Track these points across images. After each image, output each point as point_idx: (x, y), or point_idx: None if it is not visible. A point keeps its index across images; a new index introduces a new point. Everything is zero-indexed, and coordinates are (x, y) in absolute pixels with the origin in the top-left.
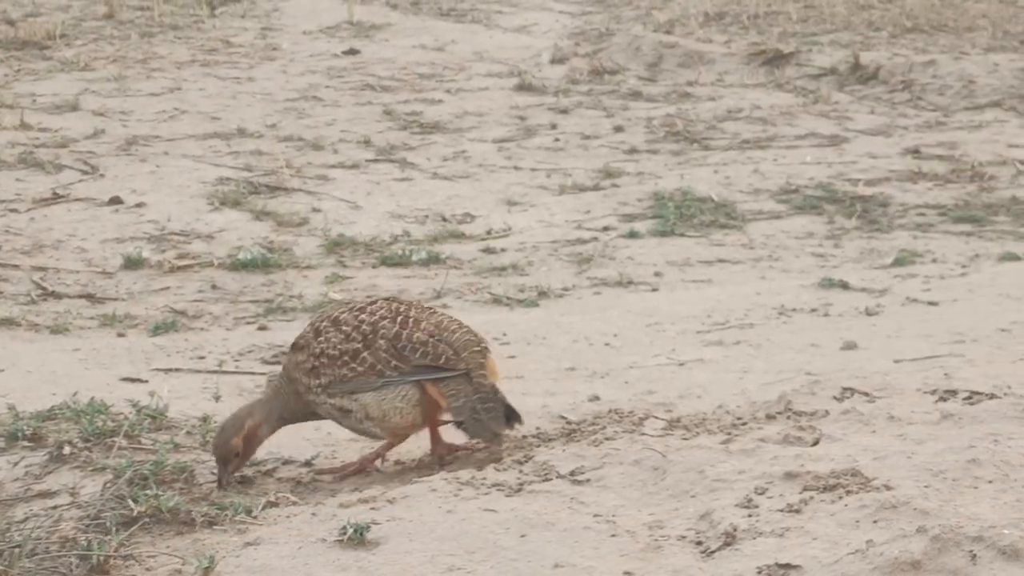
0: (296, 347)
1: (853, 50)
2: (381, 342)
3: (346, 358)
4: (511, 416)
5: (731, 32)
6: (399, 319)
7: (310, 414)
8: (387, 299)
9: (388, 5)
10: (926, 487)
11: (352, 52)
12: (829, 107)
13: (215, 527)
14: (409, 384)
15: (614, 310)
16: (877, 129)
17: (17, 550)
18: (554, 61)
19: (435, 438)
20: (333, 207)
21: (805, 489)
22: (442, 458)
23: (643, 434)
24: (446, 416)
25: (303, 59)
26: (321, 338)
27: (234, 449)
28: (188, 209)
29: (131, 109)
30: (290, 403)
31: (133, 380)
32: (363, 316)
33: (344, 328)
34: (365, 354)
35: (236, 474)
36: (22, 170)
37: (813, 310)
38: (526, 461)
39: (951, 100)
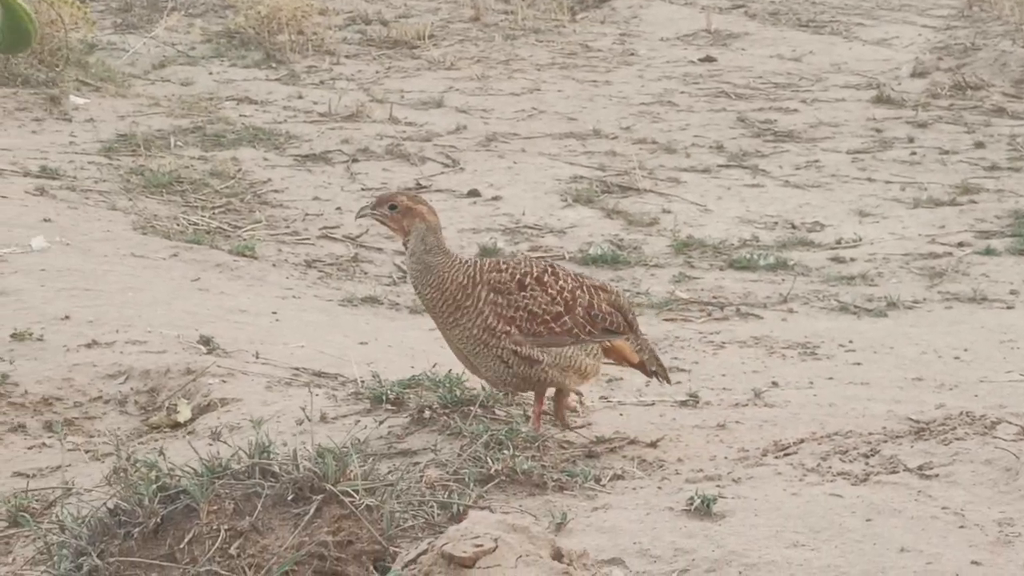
0: (496, 289)
1: None
2: (579, 309)
3: (547, 318)
4: None
5: None
6: (586, 288)
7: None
8: (547, 262)
9: (746, 15)
10: None
11: (708, 59)
12: None
13: (565, 491)
14: (597, 343)
15: (965, 325)
16: None
17: (390, 489)
18: (915, 75)
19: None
20: (683, 209)
21: None
22: (565, 418)
23: (995, 436)
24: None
25: (659, 65)
26: (526, 293)
27: (389, 200)
28: (542, 204)
29: (492, 107)
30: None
31: None
32: (562, 283)
33: (550, 291)
34: (566, 318)
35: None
36: (389, 160)
37: None
38: (872, 455)
39: None
